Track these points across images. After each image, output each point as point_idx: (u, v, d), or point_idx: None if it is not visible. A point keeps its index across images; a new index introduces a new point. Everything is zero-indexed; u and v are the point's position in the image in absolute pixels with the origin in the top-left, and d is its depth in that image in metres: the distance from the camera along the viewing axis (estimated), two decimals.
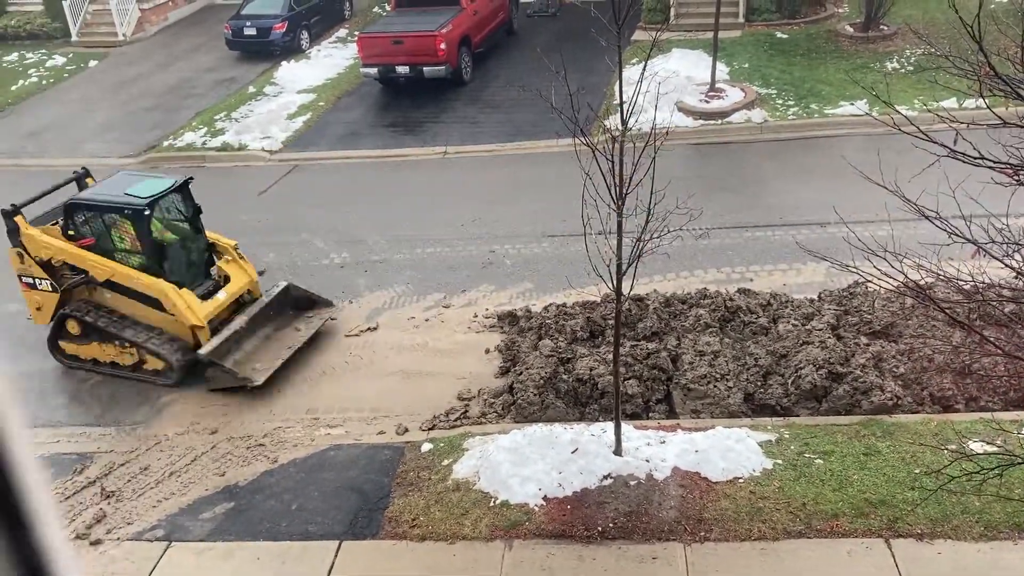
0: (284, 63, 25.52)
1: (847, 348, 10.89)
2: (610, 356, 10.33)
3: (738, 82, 20.85)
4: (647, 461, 9.55)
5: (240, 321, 12.59)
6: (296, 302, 13.51)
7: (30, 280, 12.70)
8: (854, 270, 6.39)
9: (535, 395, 11.06)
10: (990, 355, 9.68)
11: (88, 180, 13.31)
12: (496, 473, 9.63)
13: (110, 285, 12.45)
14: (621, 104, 8.14)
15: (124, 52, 28.63)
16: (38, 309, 12.90)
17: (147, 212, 11.90)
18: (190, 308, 12.20)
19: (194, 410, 11.98)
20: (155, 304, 12.28)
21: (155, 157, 20.97)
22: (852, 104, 18.89)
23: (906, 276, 6.06)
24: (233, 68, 26.22)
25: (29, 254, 12.49)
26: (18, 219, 12.42)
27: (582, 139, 7.82)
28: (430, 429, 11.08)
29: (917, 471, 9.10)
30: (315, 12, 27.59)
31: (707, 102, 19.88)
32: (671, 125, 17.53)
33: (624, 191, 8.16)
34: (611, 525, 8.92)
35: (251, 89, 24.26)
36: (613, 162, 7.99)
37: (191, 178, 12.84)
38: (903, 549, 8.35)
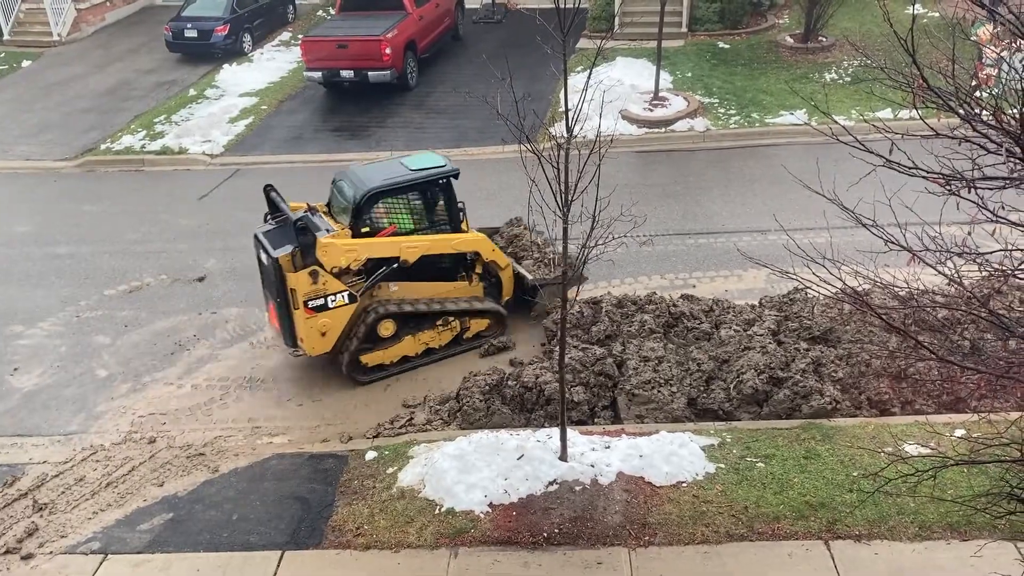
0: (226, 66, 25.15)
1: (787, 353, 11.08)
2: (556, 363, 10.37)
3: (681, 91, 21.13)
4: (592, 466, 9.58)
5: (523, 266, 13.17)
6: None
7: (319, 302, 11.39)
8: (794, 277, 6.49)
9: (481, 402, 11.04)
10: (924, 360, 9.93)
11: (274, 194, 12.46)
12: (441, 480, 9.58)
13: (407, 271, 12.00)
14: (566, 111, 8.17)
15: (59, 52, 27.93)
16: (323, 335, 11.60)
17: (457, 174, 12.04)
18: (498, 251, 12.71)
19: (132, 419, 11.71)
20: (447, 275, 12.43)
21: (92, 160, 20.49)
22: (792, 114, 19.28)
23: (844, 283, 6.18)
24: (173, 70, 25.76)
25: (324, 268, 11.32)
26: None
27: (528, 146, 7.84)
28: (375, 437, 10.98)
29: (855, 474, 9.29)
30: (258, 15, 27.27)
31: (651, 110, 20.11)
32: (616, 133, 17.71)
33: (569, 198, 8.20)
34: (556, 531, 8.93)
35: (192, 92, 23.86)
36: (558, 169, 8.02)
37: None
38: (841, 551, 8.51)
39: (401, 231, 12.05)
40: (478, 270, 12.76)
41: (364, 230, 11.79)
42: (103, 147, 21.00)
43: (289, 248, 11.29)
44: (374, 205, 11.80)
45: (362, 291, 11.73)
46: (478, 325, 12.57)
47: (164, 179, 19.64)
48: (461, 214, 12.65)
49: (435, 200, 12.37)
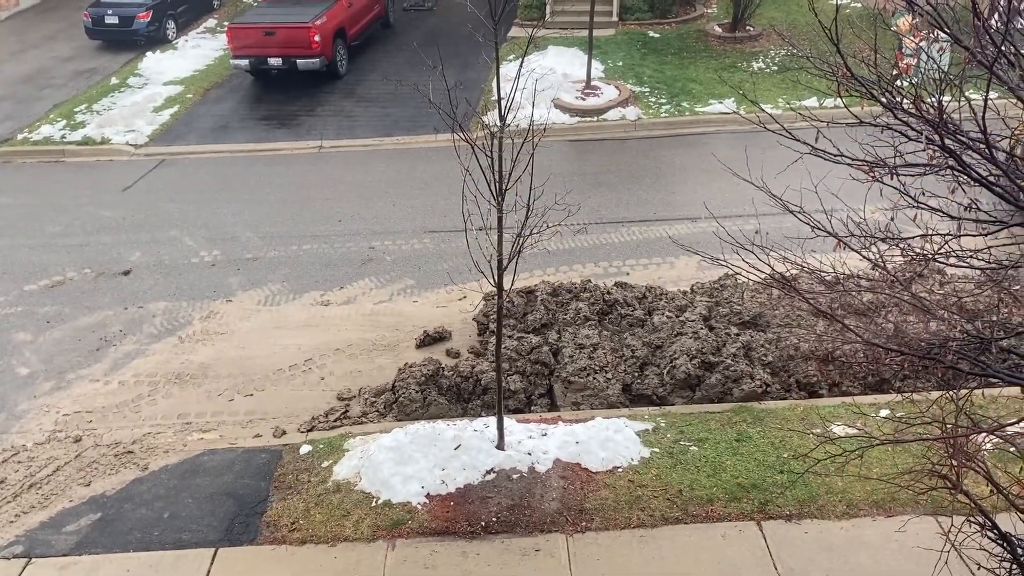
0: (149, 53, 24.48)
1: (718, 338, 11.26)
2: (492, 352, 10.36)
3: (613, 80, 21.27)
4: (529, 454, 9.62)
5: None
6: None
7: None
8: (724, 263, 6.58)
9: (417, 392, 10.98)
10: (850, 343, 10.16)
11: None
12: (378, 473, 9.51)
13: None
14: (499, 100, 8.15)
15: None
16: None
17: None
18: None
19: (56, 418, 11.35)
20: None
21: (8, 151, 19.76)
22: (721, 103, 19.57)
23: (772, 268, 6.28)
24: (94, 58, 24.96)
25: None
26: None
27: (460, 135, 7.80)
28: (309, 431, 10.84)
29: (786, 455, 9.50)
30: (182, 1, 26.56)
31: (583, 99, 20.19)
32: (548, 122, 17.69)
33: (503, 187, 8.19)
34: (494, 519, 8.94)
35: (114, 80, 23.16)
36: (492, 158, 8.00)
37: None
38: (773, 530, 8.71)
39: None
40: None
41: None
42: (20, 137, 20.26)
43: None
44: None
45: None
46: None
47: (86, 170, 19.04)
48: None
49: None
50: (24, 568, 8.86)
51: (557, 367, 11.23)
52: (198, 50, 25.17)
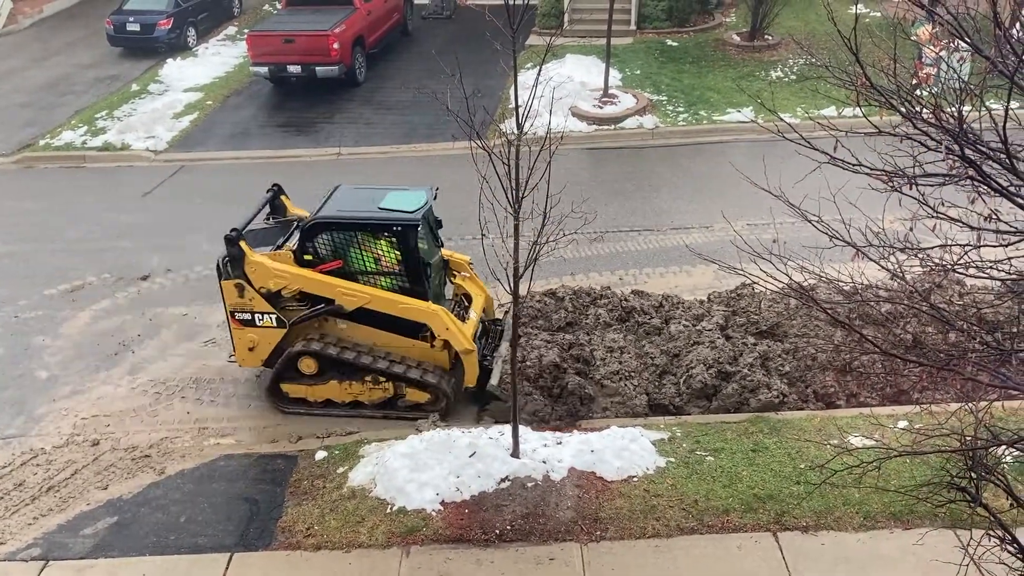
0: (170, 60, 24.68)
1: (735, 348, 11.21)
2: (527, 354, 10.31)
3: (630, 88, 21.27)
4: (544, 463, 9.60)
5: (504, 348, 11.20)
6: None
7: (246, 316, 10.97)
8: (741, 272, 6.57)
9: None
10: (868, 353, 10.12)
11: (283, 198, 12.00)
12: (393, 479, 9.52)
13: (356, 314, 10.92)
14: (516, 108, 8.16)
15: None
16: (251, 349, 11.15)
17: (419, 228, 10.65)
18: (461, 332, 10.82)
19: (74, 421, 11.43)
20: (406, 331, 10.90)
21: (31, 156, 19.97)
22: (739, 111, 19.51)
23: (790, 278, 6.26)
24: (115, 65, 25.20)
25: (252, 285, 10.83)
26: (242, 244, 10.78)
27: (478, 142, 7.81)
28: (325, 437, 10.86)
29: (802, 466, 9.44)
30: (202, 8, 26.80)
31: (600, 107, 20.20)
32: (566, 130, 17.75)
33: (520, 195, 8.19)
34: (509, 527, 8.93)
35: (135, 87, 23.37)
36: (509, 166, 8.01)
37: (437, 188, 11.56)
38: (789, 541, 8.65)
39: (352, 270, 11.02)
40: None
41: (307, 258, 10.99)
42: (42, 143, 20.47)
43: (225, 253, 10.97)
44: (317, 235, 10.92)
45: (293, 321, 10.96)
46: (416, 395, 11.12)
47: (106, 176, 19.21)
48: (436, 247, 11.73)
49: (392, 248, 10.95)
50: (41, 571, 8.93)
51: (591, 368, 11.19)
52: (218, 57, 25.36)
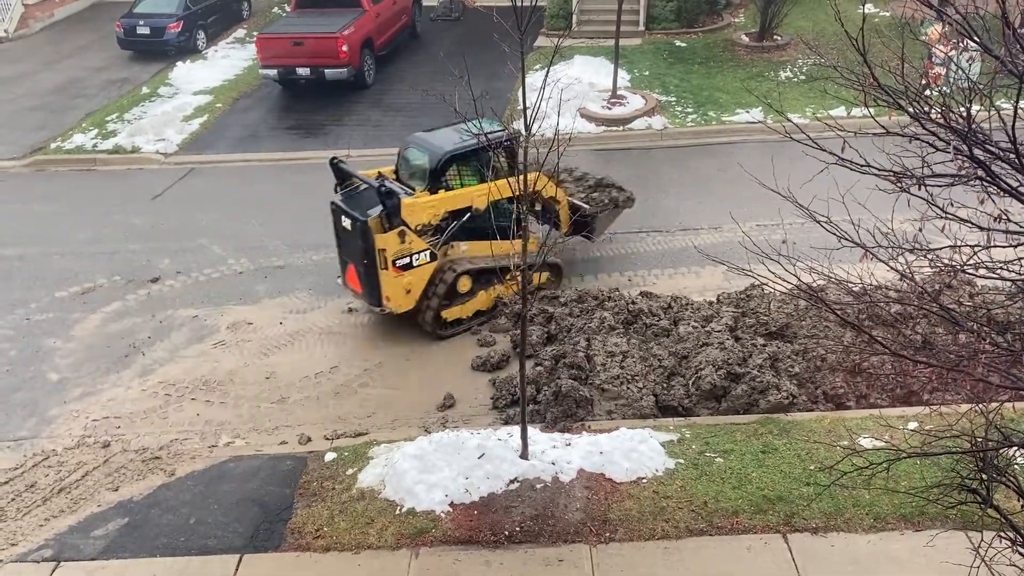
0: (179, 63, 24.78)
1: (745, 349, 11.19)
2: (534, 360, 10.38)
3: (639, 89, 21.25)
4: (553, 464, 9.60)
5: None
6: None
7: (406, 261, 12.30)
8: (750, 273, 6.56)
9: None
10: (878, 354, 10.10)
11: (340, 162, 13.31)
12: (402, 481, 9.54)
13: (473, 232, 12.55)
14: (525, 110, 8.17)
15: (6, 49, 27.32)
16: (407, 292, 12.50)
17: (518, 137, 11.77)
18: (556, 187, 13.16)
19: (85, 423, 11.48)
20: (504, 236, 12.19)
21: (42, 159, 20.06)
22: (747, 112, 19.50)
23: (799, 279, 6.25)
24: (125, 68, 25.32)
25: (410, 227, 12.17)
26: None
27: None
28: (334, 438, 10.89)
29: (812, 467, 9.41)
30: (212, 11, 26.90)
31: (609, 108, 20.19)
32: (574, 131, 17.69)
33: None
34: (518, 529, 8.93)
35: (145, 90, 23.47)
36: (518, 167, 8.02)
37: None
38: (799, 543, 8.62)
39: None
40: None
41: (439, 192, 12.51)
42: (53, 146, 20.57)
43: (377, 211, 12.04)
44: (449, 168, 12.53)
45: (439, 245, 12.50)
46: (539, 278, 13.26)
47: (117, 179, 19.29)
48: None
49: (501, 161, 12.54)
50: (53, 572, 8.97)
51: (591, 374, 11.20)
52: (227, 60, 25.45)
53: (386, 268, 12.20)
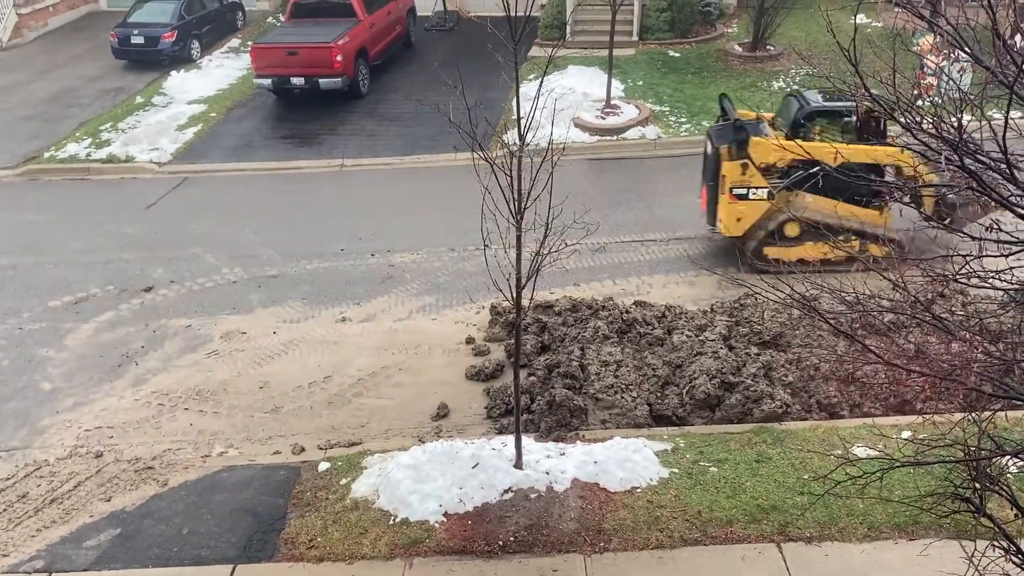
0: (173, 73, 24.77)
1: (738, 358, 11.20)
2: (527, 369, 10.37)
3: (633, 99, 21.31)
4: (547, 473, 9.59)
5: None
6: None
7: (742, 191, 13.49)
8: (744, 283, 6.57)
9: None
10: (871, 363, 10.07)
11: (726, 98, 14.83)
12: (396, 491, 9.51)
13: (822, 188, 12.39)
14: (519, 119, 8.19)
15: (0, 59, 27.27)
16: (738, 220, 13.64)
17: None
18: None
19: (77, 433, 11.43)
20: (859, 202, 13.10)
21: (35, 168, 20.03)
22: None
23: (793, 288, 6.26)
24: (119, 77, 25.31)
25: (754, 163, 13.28)
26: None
27: (480, 154, 7.83)
28: (328, 448, 10.87)
29: (806, 477, 9.41)
30: (206, 21, 26.92)
31: (603, 118, 20.24)
32: (568, 141, 17.75)
33: (523, 205, 8.21)
34: (512, 539, 8.91)
35: (139, 99, 23.46)
36: (511, 177, 8.03)
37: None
38: (793, 552, 8.62)
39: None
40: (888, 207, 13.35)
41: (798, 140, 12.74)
42: (47, 155, 20.54)
43: (727, 141, 13.53)
44: (812, 122, 13.50)
45: (779, 188, 13.31)
46: (875, 251, 12.71)
47: (110, 188, 19.27)
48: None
49: (850, 132, 13.36)
50: None
51: (585, 383, 11.20)
52: (221, 70, 25.45)
53: (724, 193, 13.61)
